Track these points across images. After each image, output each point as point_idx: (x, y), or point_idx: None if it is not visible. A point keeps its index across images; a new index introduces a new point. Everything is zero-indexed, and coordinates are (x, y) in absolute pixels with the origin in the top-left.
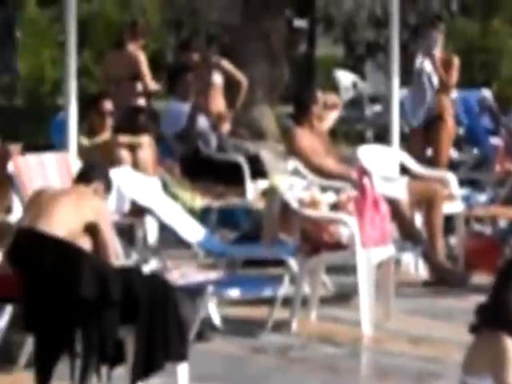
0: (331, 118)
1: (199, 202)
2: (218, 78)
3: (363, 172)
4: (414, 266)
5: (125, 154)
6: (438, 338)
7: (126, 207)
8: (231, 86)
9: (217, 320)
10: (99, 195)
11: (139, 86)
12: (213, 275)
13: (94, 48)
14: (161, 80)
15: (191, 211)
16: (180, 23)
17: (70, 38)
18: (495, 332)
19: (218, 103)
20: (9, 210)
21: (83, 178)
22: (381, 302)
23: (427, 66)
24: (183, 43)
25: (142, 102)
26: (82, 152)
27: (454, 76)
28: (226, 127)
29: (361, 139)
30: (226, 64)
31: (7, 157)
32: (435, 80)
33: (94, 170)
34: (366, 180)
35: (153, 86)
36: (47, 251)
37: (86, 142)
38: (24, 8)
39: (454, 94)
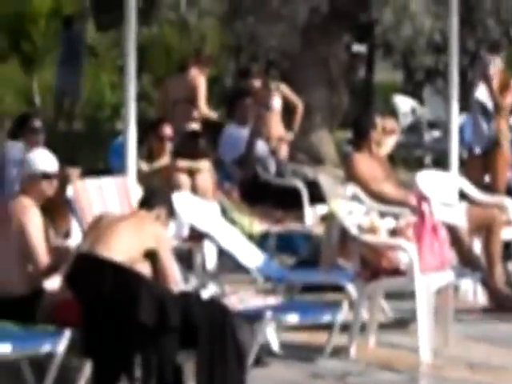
0: (389, 143)
1: (258, 227)
2: (277, 103)
3: (422, 198)
4: (473, 292)
5: (184, 178)
6: (497, 364)
7: (185, 232)
8: (288, 110)
9: (275, 345)
10: (161, 221)
11: (194, 111)
12: (271, 301)
13: (153, 73)
14: (215, 106)
15: (250, 236)
16: (239, 49)
17: (130, 62)
18: None
19: (277, 127)
20: (67, 235)
21: (145, 203)
22: (439, 328)
23: (481, 92)
24: (243, 70)
25: (196, 126)
26: (141, 177)
27: (510, 99)
28: (284, 151)
29: (419, 165)
30: (285, 88)
31: (66, 181)
32: (490, 106)
33: (156, 196)
34: (424, 206)
35: (205, 110)
36: (106, 276)
37: (145, 166)
38: (84, 32)
39: None
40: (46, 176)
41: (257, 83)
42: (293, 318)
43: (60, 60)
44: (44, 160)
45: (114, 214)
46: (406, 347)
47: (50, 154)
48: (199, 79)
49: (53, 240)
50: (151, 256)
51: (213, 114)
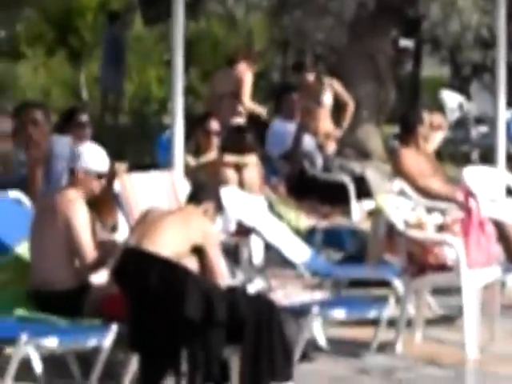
0: (437, 138)
1: (304, 221)
2: (328, 99)
3: (469, 193)
4: None
5: (231, 173)
6: None
7: (232, 227)
8: (337, 107)
9: (322, 340)
10: (209, 216)
11: (240, 105)
12: (318, 296)
13: (201, 67)
14: (262, 101)
15: (296, 231)
16: (286, 43)
17: (177, 56)
18: None
19: (326, 123)
20: (114, 229)
21: (193, 198)
22: (486, 323)
23: None
24: (297, 64)
25: (242, 120)
26: (189, 171)
27: None
28: (331, 147)
29: (466, 160)
30: (337, 85)
31: (113, 176)
32: None
33: (204, 191)
34: (471, 202)
35: (249, 105)
36: (153, 271)
37: (192, 161)
38: (130, 27)
39: None
40: (99, 176)
41: (310, 77)
42: (339, 314)
43: (103, 55)
44: (98, 159)
45: (161, 208)
46: (452, 343)
47: (102, 151)
48: (246, 74)
49: (99, 234)
50: (198, 251)
51: (260, 109)
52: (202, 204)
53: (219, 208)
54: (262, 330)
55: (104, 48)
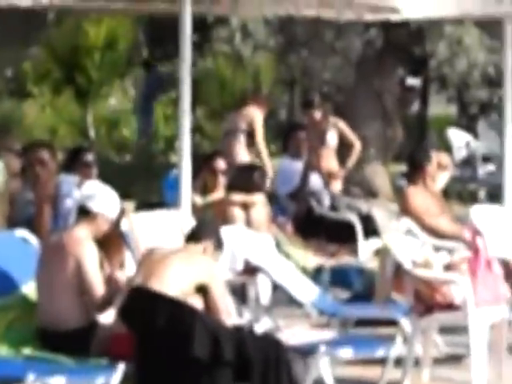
0: (444, 178)
1: (312, 260)
2: (333, 138)
3: (476, 232)
4: None
5: (238, 212)
6: None
7: (240, 266)
8: (343, 146)
9: (329, 380)
10: (208, 254)
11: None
12: (325, 335)
13: (208, 106)
14: (270, 139)
15: (304, 270)
16: (293, 82)
17: (184, 95)
18: None
19: (330, 162)
20: (122, 266)
21: (192, 236)
22: (493, 362)
23: None
24: (307, 101)
25: (246, 157)
26: (196, 210)
27: None
28: (337, 186)
29: (474, 199)
30: (343, 125)
31: (121, 215)
32: None
33: (203, 229)
34: (479, 240)
35: (261, 147)
36: (160, 310)
37: (199, 200)
38: (138, 65)
39: None
40: (110, 218)
41: (317, 115)
42: (347, 353)
43: (139, 101)
44: (111, 202)
45: (165, 247)
46: (459, 382)
47: (114, 193)
48: (257, 116)
49: (106, 272)
50: (203, 290)
51: (265, 158)
52: (201, 242)
53: (219, 245)
54: (270, 369)
55: (140, 94)
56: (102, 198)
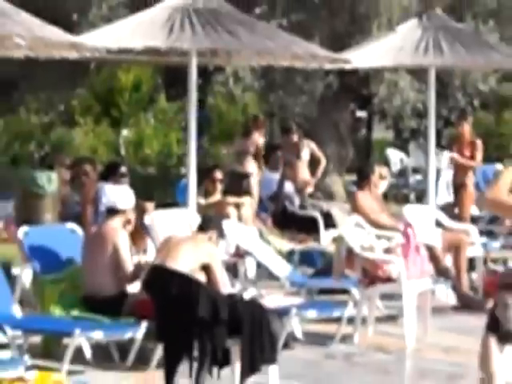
0: (383, 185)
1: (286, 246)
2: (306, 155)
3: (408, 225)
4: (445, 295)
5: (232, 210)
6: (463, 348)
7: (232, 250)
8: (313, 161)
9: (298, 333)
10: (213, 241)
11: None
12: (296, 300)
13: (209, 132)
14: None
15: (280, 253)
16: (272, 114)
17: (191, 124)
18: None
19: (304, 173)
20: (145, 251)
21: (201, 228)
22: (420, 321)
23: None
24: (286, 128)
25: (254, 170)
26: (200, 209)
27: (479, 155)
28: (309, 191)
29: (406, 200)
30: (313, 145)
31: (144, 212)
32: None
33: (209, 223)
34: (409, 231)
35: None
36: (173, 283)
37: (202, 201)
38: (157, 102)
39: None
40: (129, 210)
41: (295, 138)
42: (312, 314)
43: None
44: (128, 200)
45: (179, 236)
46: (395, 335)
47: (132, 194)
48: (259, 140)
49: (134, 256)
50: (206, 268)
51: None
52: (208, 232)
53: (221, 235)
54: (255, 326)
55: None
56: (125, 198)
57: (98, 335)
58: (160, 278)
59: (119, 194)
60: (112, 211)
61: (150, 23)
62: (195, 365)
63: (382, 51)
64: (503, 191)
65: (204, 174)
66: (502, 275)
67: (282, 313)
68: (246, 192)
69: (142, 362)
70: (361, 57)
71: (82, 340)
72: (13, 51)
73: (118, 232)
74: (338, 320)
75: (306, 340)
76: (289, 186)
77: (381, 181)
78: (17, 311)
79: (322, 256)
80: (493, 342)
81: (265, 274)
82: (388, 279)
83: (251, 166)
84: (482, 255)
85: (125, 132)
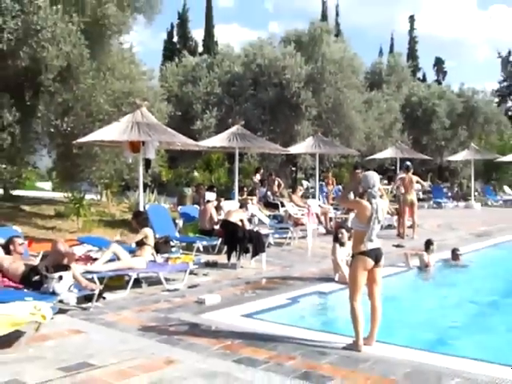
0: (300, 192)
1: (267, 213)
2: (276, 182)
3: (309, 205)
4: (318, 229)
5: (250, 201)
6: (328, 246)
7: (249, 214)
8: (279, 184)
9: (272, 242)
10: (243, 211)
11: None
12: (271, 231)
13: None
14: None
15: (266, 215)
16: (262, 168)
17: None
18: None
19: (275, 187)
20: (220, 214)
21: (240, 206)
22: (313, 237)
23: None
24: (270, 173)
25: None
26: (238, 200)
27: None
28: (277, 194)
29: (308, 198)
30: (278, 179)
31: (220, 201)
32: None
33: (242, 205)
34: (309, 208)
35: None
36: (230, 225)
37: (239, 197)
38: None
39: None
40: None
41: (272, 176)
42: (276, 236)
43: None
44: (213, 196)
45: (232, 209)
46: (306, 243)
47: (215, 194)
48: (258, 176)
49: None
50: (241, 220)
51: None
52: (242, 209)
53: (246, 209)
54: (257, 239)
55: None
56: (212, 196)
57: (204, 242)
58: (226, 223)
59: (210, 195)
60: (208, 201)
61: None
62: (236, 252)
63: (302, 146)
64: (346, 194)
65: (240, 189)
66: (338, 224)
67: (267, 235)
68: (254, 194)
69: (219, 252)
70: (292, 149)
71: (203, 243)
72: (175, 147)
73: (210, 207)
74: (285, 238)
75: (274, 244)
76: (269, 193)
77: (300, 191)
78: (175, 233)
79: (280, 217)
80: (337, 245)
81: (260, 222)
82: (302, 224)
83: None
84: (334, 216)
85: None
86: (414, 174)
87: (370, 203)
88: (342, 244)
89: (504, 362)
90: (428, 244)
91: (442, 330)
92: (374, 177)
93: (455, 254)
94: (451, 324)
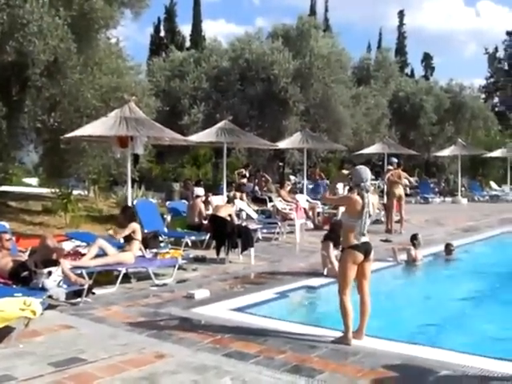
0: (288, 187)
1: (255, 208)
2: (264, 178)
3: (297, 200)
4: (306, 225)
5: (238, 197)
6: (318, 240)
7: (237, 209)
8: (267, 180)
9: (260, 237)
10: (231, 206)
11: None
12: (259, 225)
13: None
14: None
15: (254, 210)
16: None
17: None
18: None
19: (262, 182)
20: (208, 209)
21: (228, 201)
22: (300, 232)
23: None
24: (258, 169)
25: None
26: (227, 196)
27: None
28: (268, 188)
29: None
30: (266, 175)
31: (208, 196)
32: None
33: (230, 200)
34: (298, 202)
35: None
36: (218, 220)
37: (228, 193)
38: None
39: None
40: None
41: (261, 172)
42: (264, 231)
43: None
44: (202, 191)
45: (220, 204)
46: (293, 238)
47: (203, 190)
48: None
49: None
50: (229, 215)
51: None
52: (230, 204)
53: (234, 204)
54: (246, 234)
55: None
56: (201, 192)
57: (192, 237)
58: (214, 218)
59: (199, 191)
60: (197, 196)
61: None
62: (225, 247)
63: (290, 141)
64: (331, 193)
65: (228, 184)
66: (334, 221)
67: (255, 230)
68: (242, 190)
69: (207, 247)
70: (280, 144)
71: (192, 238)
72: (163, 142)
73: (199, 202)
74: (273, 233)
75: (262, 239)
76: (256, 188)
77: (287, 186)
78: (164, 228)
79: (268, 212)
80: (330, 244)
81: (249, 217)
82: (290, 219)
83: (246, 183)
84: (322, 211)
85: None
86: (402, 170)
87: (362, 197)
88: (336, 244)
89: (492, 354)
90: (413, 238)
91: (431, 324)
92: (366, 171)
93: (449, 249)
94: (440, 317)
